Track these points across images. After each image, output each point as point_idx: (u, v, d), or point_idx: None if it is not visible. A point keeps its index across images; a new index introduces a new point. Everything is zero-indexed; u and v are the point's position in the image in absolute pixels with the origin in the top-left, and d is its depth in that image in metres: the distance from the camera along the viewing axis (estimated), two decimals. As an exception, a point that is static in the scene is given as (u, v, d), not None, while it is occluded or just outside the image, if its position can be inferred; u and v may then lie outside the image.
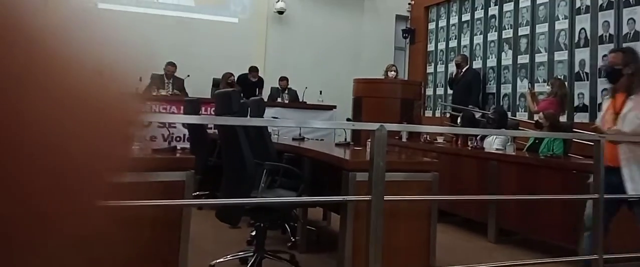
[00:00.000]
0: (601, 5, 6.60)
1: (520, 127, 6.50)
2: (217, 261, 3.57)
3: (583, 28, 6.84)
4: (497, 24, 8.46)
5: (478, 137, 5.48)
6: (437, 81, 9.77)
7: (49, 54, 0.33)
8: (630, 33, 6.16)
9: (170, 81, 7.98)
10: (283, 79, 8.69)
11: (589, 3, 6.79)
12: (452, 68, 9.26)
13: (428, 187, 3.19)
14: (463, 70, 8.24)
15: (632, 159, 3.20)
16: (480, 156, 5.04)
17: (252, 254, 3.58)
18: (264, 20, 9.90)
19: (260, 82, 8.68)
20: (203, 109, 6.66)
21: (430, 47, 10.18)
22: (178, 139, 6.75)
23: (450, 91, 8.98)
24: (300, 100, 8.50)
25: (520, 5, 8.01)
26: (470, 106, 7.45)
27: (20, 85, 0.31)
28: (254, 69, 8.62)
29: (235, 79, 8.13)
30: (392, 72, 7.75)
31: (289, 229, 4.45)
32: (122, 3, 9.01)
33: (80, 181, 0.34)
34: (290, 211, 3.89)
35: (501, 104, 8.20)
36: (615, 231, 3.45)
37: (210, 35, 9.29)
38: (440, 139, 6.25)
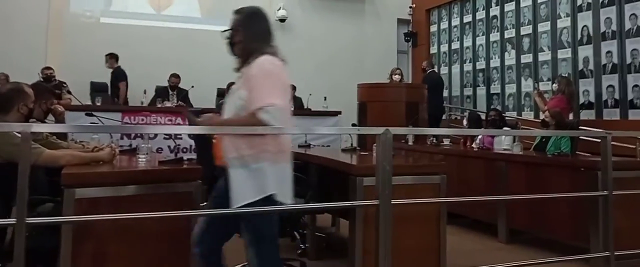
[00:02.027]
0: (603, 1, 6.59)
1: (519, 126, 6.46)
2: (227, 270, 3.56)
3: (585, 25, 6.83)
4: (498, 24, 8.46)
5: (480, 137, 5.45)
6: (441, 83, 9.77)
7: None
8: (632, 29, 6.14)
9: (175, 92, 8.02)
10: (291, 87, 8.62)
11: (590, 0, 6.78)
12: (456, 69, 9.27)
13: (436, 189, 3.18)
14: (426, 74, 8.54)
15: (237, 159, 2.28)
16: (488, 157, 5.02)
17: (261, 262, 3.56)
18: (266, 28, 9.90)
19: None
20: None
21: (433, 49, 10.18)
22: (184, 150, 6.77)
23: (455, 93, 9.06)
24: (305, 107, 8.48)
25: (522, 4, 8.01)
26: None
27: None
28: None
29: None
30: (397, 76, 7.74)
31: (298, 237, 4.44)
32: (125, 17, 9.09)
33: None
34: (298, 218, 3.88)
35: (506, 103, 8.19)
36: (625, 227, 3.43)
37: (212, 45, 9.24)
38: (446, 141, 6.23)
